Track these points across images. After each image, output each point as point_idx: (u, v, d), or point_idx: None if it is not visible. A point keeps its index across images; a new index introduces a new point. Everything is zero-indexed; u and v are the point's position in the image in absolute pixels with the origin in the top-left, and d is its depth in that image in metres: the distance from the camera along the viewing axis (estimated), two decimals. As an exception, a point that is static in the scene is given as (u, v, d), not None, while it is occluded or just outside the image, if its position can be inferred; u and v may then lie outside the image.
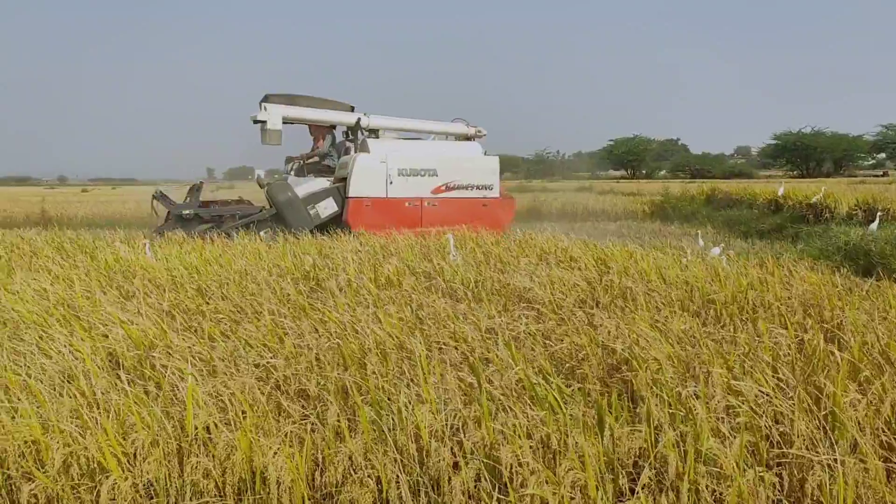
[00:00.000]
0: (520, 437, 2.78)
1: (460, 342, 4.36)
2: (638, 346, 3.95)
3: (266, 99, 11.84)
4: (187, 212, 11.14)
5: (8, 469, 2.91)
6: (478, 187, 12.60)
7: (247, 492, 2.80)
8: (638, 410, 3.21)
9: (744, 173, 62.69)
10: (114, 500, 2.71)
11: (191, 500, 2.81)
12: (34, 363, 3.84)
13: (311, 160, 12.73)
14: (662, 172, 70.23)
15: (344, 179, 11.82)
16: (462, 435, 2.89)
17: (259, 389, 3.44)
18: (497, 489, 2.68)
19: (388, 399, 3.28)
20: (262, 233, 10.87)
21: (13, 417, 3.17)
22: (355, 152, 12.18)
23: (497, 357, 3.87)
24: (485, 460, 2.71)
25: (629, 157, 71.62)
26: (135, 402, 3.10)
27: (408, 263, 7.34)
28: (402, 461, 2.81)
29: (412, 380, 3.49)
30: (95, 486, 2.79)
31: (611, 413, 2.99)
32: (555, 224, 19.04)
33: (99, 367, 3.72)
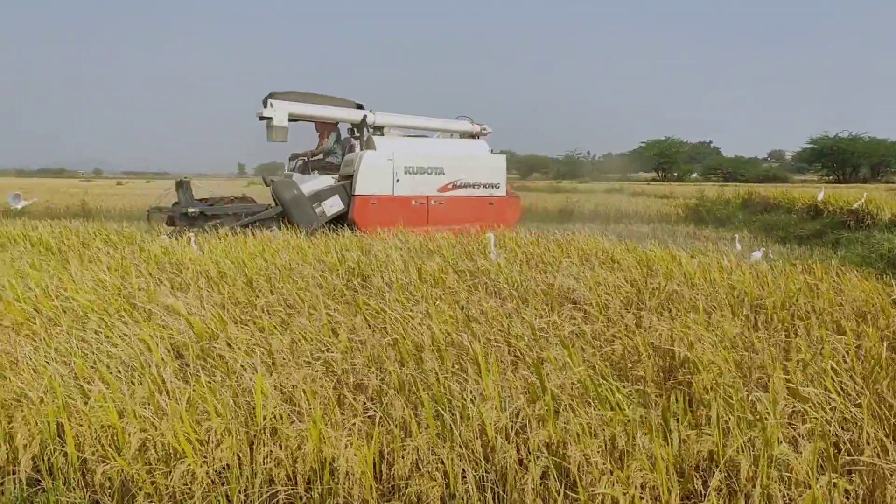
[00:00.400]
0: (586, 436, 2.80)
1: (513, 341, 4.39)
2: (694, 349, 3.93)
3: (271, 96, 11.73)
4: (192, 210, 10.94)
5: (83, 452, 3.00)
6: (484, 186, 12.49)
7: (316, 481, 2.85)
8: (699, 413, 3.21)
9: (778, 177, 61.71)
10: (187, 484, 2.78)
11: (261, 487, 2.87)
12: (101, 351, 3.94)
13: (315, 157, 12.60)
14: (694, 175, 69.44)
15: (350, 177, 11.68)
16: (528, 433, 2.92)
17: (322, 382, 3.50)
18: (564, 487, 2.71)
19: (450, 395, 3.31)
20: (268, 231, 10.70)
21: (86, 403, 3.27)
22: (361, 150, 12.04)
23: (553, 357, 3.88)
24: (553, 458, 2.73)
25: (661, 160, 70.91)
26: (206, 391, 3.17)
27: (449, 262, 7.38)
28: (468, 456, 2.85)
29: (474, 377, 3.51)
30: (170, 471, 2.87)
31: (674, 416, 2.99)
32: (588, 225, 18.99)
33: (163, 357, 3.80)
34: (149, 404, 3.15)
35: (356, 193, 11.50)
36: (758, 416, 2.91)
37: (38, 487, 3.05)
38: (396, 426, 3.01)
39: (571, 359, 3.77)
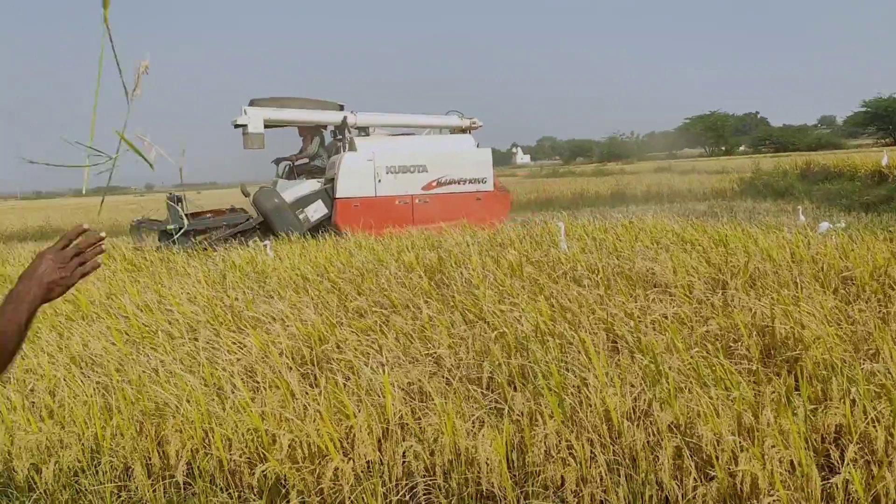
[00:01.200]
0: (713, 416, 2.88)
1: (609, 326, 4.47)
2: (799, 325, 3.96)
3: (252, 103, 11.56)
4: (171, 226, 10.69)
5: (232, 453, 3.20)
6: (470, 181, 12.23)
7: (452, 472, 3.00)
8: (815, 388, 3.25)
9: (831, 143, 59.87)
10: (336, 480, 2.96)
11: (401, 479, 3.03)
12: (219, 359, 4.16)
13: (300, 162, 12.41)
14: (742, 148, 67.92)
15: (332, 180, 11.57)
16: (651, 415, 3.01)
17: (437, 378, 3.65)
18: (696, 467, 2.79)
19: (563, 384, 3.42)
20: (260, 242, 10.26)
21: (223, 409, 3.48)
22: (343, 151, 11.86)
23: (654, 341, 3.96)
24: (684, 438, 2.82)
25: (707, 135, 69.50)
26: (338, 391, 3.34)
27: (523, 253, 7.47)
28: (597, 441, 2.95)
29: (584, 364, 3.61)
30: (315, 469, 3.04)
31: (797, 392, 3.05)
32: (642, 207, 18.84)
33: (284, 361, 4.00)
34: (284, 407, 3.34)
35: (338, 196, 11.38)
36: (883, 388, 2.95)
37: (189, 491, 3.26)
38: (525, 417, 3.13)
39: (675, 341, 3.84)
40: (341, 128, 12.08)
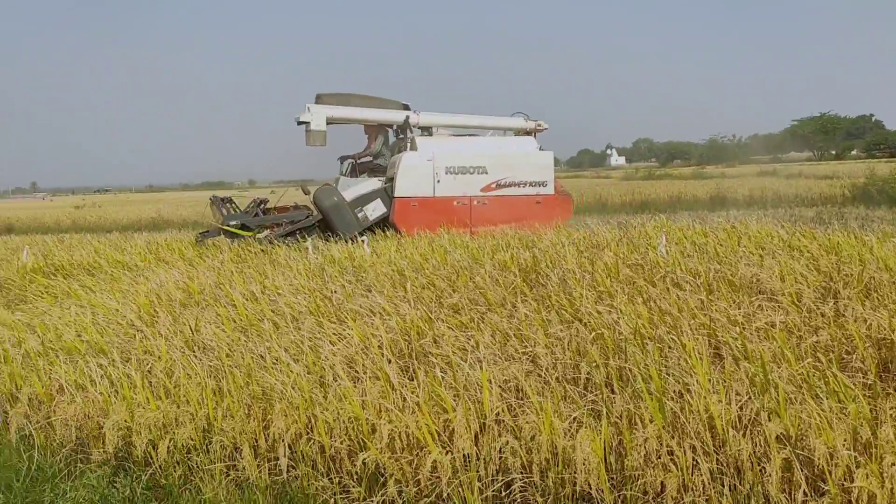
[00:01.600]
0: (827, 428, 2.75)
1: (711, 332, 4.34)
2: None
3: (318, 99, 11.63)
4: (234, 222, 10.83)
5: (333, 440, 3.31)
6: (531, 184, 12.03)
7: (549, 471, 2.99)
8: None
9: (956, 148, 55.79)
10: (433, 471, 3.01)
11: (497, 475, 3.05)
12: (322, 348, 4.30)
13: (363, 160, 12.37)
14: (854, 152, 64.17)
15: (392, 179, 11.51)
16: (757, 425, 2.90)
17: (534, 376, 3.65)
18: (806, 481, 2.67)
19: (664, 388, 3.34)
20: (319, 239, 10.46)
21: (325, 396, 3.59)
22: (404, 151, 11.83)
23: (761, 348, 3.81)
24: (794, 451, 2.71)
25: (817, 138, 66.06)
26: (436, 385, 3.40)
27: (620, 255, 7.34)
28: (700, 448, 2.88)
29: (686, 369, 3.52)
30: (413, 460, 3.11)
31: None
32: (743, 211, 18.12)
33: (383, 353, 4.09)
34: (384, 398, 3.42)
35: (396, 195, 11.36)
36: None
37: (291, 474, 3.39)
38: (625, 419, 3.09)
39: (784, 350, 3.69)
40: (403, 127, 12.11)
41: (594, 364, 3.80)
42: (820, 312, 4.79)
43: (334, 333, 4.68)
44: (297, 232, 10.94)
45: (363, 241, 9.10)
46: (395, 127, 12.45)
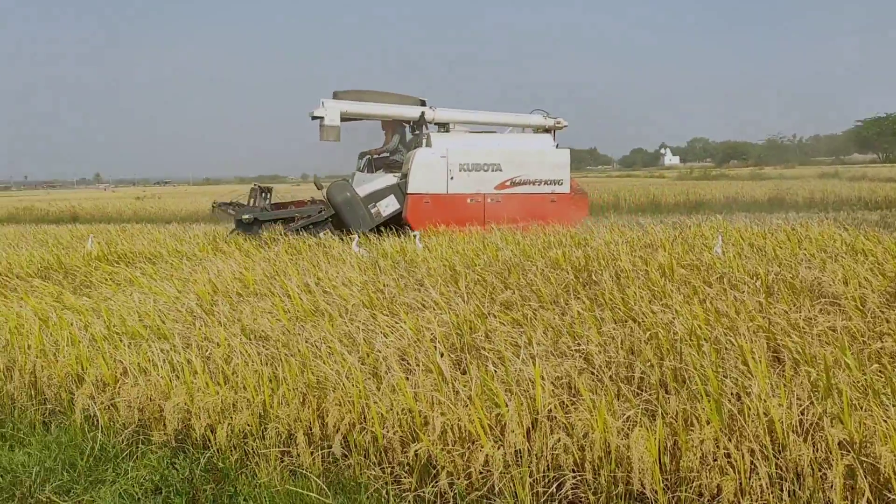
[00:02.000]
0: (891, 436, 2.66)
1: (770, 335, 4.24)
2: None
3: (335, 96, 11.61)
4: (247, 216, 10.90)
5: (386, 430, 3.35)
6: (546, 182, 11.94)
7: (601, 469, 2.96)
8: None
9: None
10: (486, 465, 3.02)
11: (548, 471, 3.04)
12: (375, 340, 4.35)
13: (380, 156, 12.34)
14: (922, 155, 61.68)
15: (406, 176, 11.50)
16: (819, 431, 2.83)
17: (586, 374, 3.62)
18: (870, 488, 2.59)
19: (720, 390, 3.28)
20: (321, 234, 10.42)
21: (378, 387, 3.63)
22: (426, 146, 11.83)
23: (822, 353, 3.70)
24: (860, 458, 2.63)
25: (882, 139, 63.70)
26: (488, 379, 3.40)
27: (674, 255, 7.22)
28: (759, 452, 2.81)
29: (743, 372, 3.45)
30: (465, 452, 3.12)
31: None
32: (803, 214, 17.61)
33: (436, 346, 4.12)
34: (437, 390, 3.44)
35: (409, 192, 11.33)
36: None
37: (345, 463, 3.44)
38: (680, 420, 3.04)
39: (846, 355, 3.58)
40: (419, 123, 12.10)
41: (648, 363, 3.75)
42: (885, 318, 4.64)
43: (387, 326, 4.73)
44: (311, 227, 10.95)
45: (415, 235, 9.15)
46: (411, 123, 12.43)
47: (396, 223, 11.37)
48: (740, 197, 22.73)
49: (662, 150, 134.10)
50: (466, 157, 11.61)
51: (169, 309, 5.56)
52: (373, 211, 11.36)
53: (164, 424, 3.78)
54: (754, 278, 5.86)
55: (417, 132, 12.22)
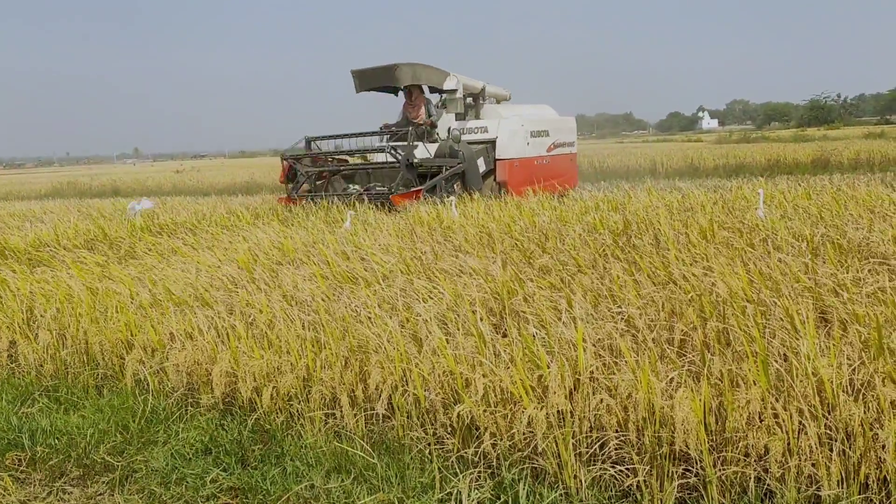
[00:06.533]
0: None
1: (817, 296, 4.15)
2: None
3: (398, 68, 12.06)
4: (417, 160, 10.96)
5: (428, 392, 3.38)
6: (568, 144, 14.20)
7: (645, 430, 2.95)
8: None
9: None
10: (528, 426, 3.03)
11: (590, 432, 3.04)
12: (415, 305, 4.36)
13: (421, 125, 12.51)
14: (975, 112, 59.39)
15: (494, 142, 12.35)
16: (878, 390, 2.77)
17: (626, 336, 3.60)
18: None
19: (766, 350, 3.23)
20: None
21: (419, 351, 3.66)
22: (474, 118, 13.22)
23: (873, 313, 3.62)
24: (912, 417, 2.57)
25: (932, 96, 61.47)
26: (530, 341, 3.40)
27: (715, 218, 7.09)
28: (808, 412, 2.77)
29: (790, 333, 3.39)
30: (507, 413, 3.13)
31: None
32: (848, 175, 17.13)
33: (471, 309, 4.12)
34: (478, 353, 3.45)
35: (501, 157, 12.37)
36: None
37: (387, 424, 3.48)
38: (722, 379, 3.01)
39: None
40: (479, 95, 13.60)
41: (691, 325, 3.71)
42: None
43: (425, 291, 4.74)
44: (440, 185, 10.80)
45: (451, 202, 9.13)
46: (467, 96, 13.39)
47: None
48: (783, 160, 22.17)
49: (700, 114, 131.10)
50: (532, 125, 13.09)
51: (212, 278, 5.66)
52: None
53: (212, 388, 3.86)
54: (799, 240, 5.73)
55: (473, 104, 13.58)
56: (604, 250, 5.86)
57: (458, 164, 11.28)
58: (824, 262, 4.95)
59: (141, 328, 4.45)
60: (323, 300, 4.67)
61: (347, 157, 12.58)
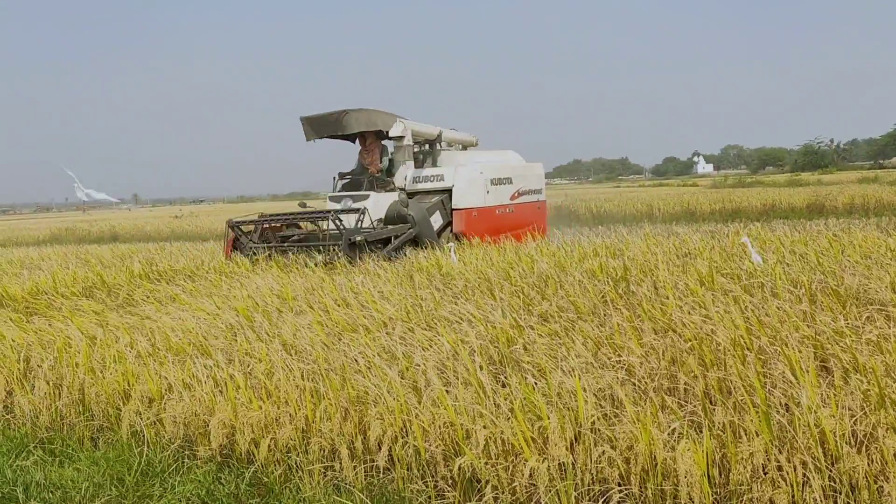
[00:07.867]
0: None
1: (817, 344, 4.15)
2: None
3: (346, 114, 11.56)
4: (359, 238, 9.81)
5: (428, 443, 3.34)
6: (534, 191, 13.63)
7: (647, 482, 2.92)
8: None
9: None
10: (530, 478, 2.99)
11: (592, 484, 3.00)
12: (415, 354, 4.35)
13: (377, 175, 12.04)
14: (967, 157, 60.10)
15: (449, 192, 11.72)
16: (881, 441, 2.75)
17: (627, 385, 3.58)
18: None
19: (768, 401, 3.21)
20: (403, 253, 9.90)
21: (419, 401, 3.63)
22: (431, 165, 12.61)
23: (875, 363, 3.61)
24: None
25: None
26: (530, 392, 3.38)
27: (713, 264, 7.11)
28: (811, 464, 2.75)
29: (790, 381, 3.38)
30: (510, 466, 3.10)
31: None
32: (844, 220, 17.26)
33: (471, 360, 4.11)
34: (478, 403, 3.43)
35: (458, 207, 11.75)
36: None
37: (387, 477, 3.44)
38: (724, 430, 2.99)
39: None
40: (436, 141, 12.99)
41: (692, 374, 3.69)
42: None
43: (425, 339, 4.73)
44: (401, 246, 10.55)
45: (450, 248, 9.16)
46: (423, 143, 12.92)
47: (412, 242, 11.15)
48: (778, 204, 22.37)
49: (695, 158, 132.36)
50: (493, 172, 12.49)
51: (210, 325, 5.64)
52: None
53: (209, 439, 3.82)
54: (797, 286, 5.74)
55: (430, 150, 12.98)
56: (603, 297, 5.87)
57: (409, 229, 10.64)
58: (822, 310, 4.95)
59: (138, 378, 4.42)
60: (322, 349, 4.66)
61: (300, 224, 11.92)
